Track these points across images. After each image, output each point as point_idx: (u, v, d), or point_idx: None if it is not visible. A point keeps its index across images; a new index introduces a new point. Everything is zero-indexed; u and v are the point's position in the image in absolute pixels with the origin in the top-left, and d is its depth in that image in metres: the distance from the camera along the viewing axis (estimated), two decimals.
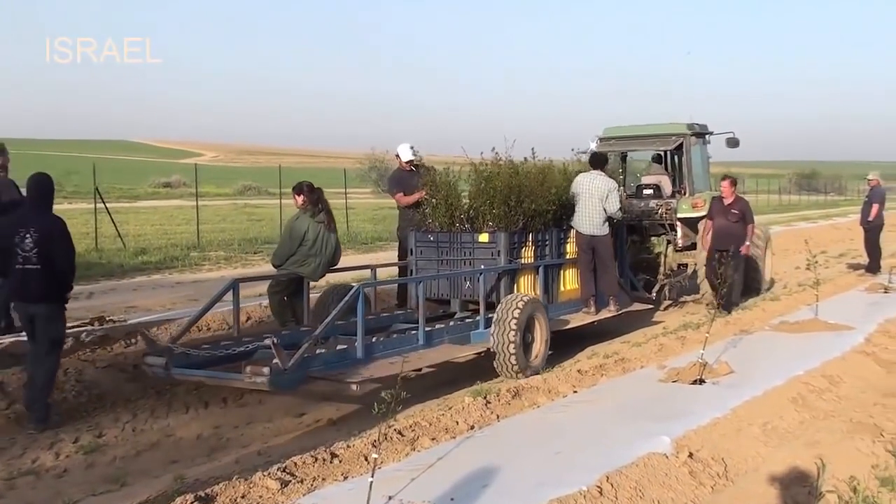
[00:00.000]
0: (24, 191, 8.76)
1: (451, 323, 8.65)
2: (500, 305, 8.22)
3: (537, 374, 7.99)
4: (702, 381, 6.92)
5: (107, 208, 20.96)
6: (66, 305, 7.08)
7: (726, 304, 10.67)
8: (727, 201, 11.32)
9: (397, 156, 10.61)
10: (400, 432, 5.69)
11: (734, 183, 11.49)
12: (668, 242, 12.54)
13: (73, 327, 8.61)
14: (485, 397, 6.62)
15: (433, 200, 9.40)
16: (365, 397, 7.54)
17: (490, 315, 8.34)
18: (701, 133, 12.90)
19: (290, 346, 6.88)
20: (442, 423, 5.98)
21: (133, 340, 9.09)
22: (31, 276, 6.63)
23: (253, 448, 6.42)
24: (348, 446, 5.40)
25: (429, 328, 8.14)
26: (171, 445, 6.57)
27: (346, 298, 7.27)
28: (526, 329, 8.18)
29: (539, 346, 8.45)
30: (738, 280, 11.28)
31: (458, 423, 6.00)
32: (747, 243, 11.29)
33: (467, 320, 8.74)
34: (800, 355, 7.88)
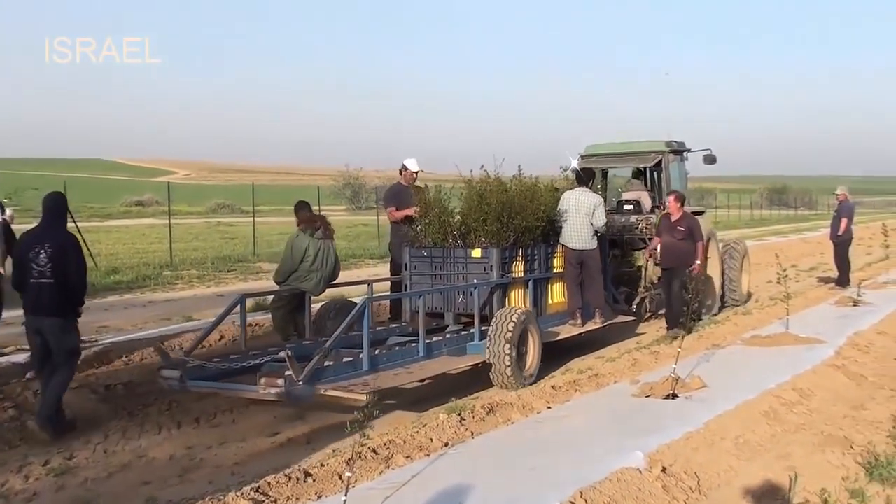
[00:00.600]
0: (8, 211, 8.84)
1: (448, 335, 8.88)
2: (494, 318, 8.48)
3: (530, 384, 8.30)
4: (675, 396, 6.96)
5: (78, 227, 20.70)
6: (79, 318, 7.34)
7: (671, 322, 10.90)
8: (673, 217, 11.15)
9: (402, 170, 10.84)
10: (374, 450, 5.67)
11: (679, 199, 11.25)
12: None
13: None
14: (459, 414, 6.62)
15: (425, 219, 9.62)
16: (340, 414, 7.53)
17: (484, 328, 8.62)
18: (679, 150, 13.24)
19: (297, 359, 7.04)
20: (416, 440, 5.97)
21: (104, 361, 9.02)
22: (46, 290, 6.89)
23: (226, 468, 6.36)
24: (322, 465, 5.37)
25: (428, 340, 8.38)
26: (143, 467, 6.49)
27: (354, 312, 7.57)
28: (520, 341, 8.44)
29: (532, 358, 8.73)
30: (680, 298, 10.66)
31: (432, 440, 5.99)
32: (697, 262, 10.94)
33: (462, 333, 8.97)
34: (771, 369, 7.94)
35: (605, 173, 13.86)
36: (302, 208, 9.76)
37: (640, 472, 5.05)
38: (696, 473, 5.22)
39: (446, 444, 5.91)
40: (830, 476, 5.24)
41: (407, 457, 5.57)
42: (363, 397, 6.59)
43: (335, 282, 9.67)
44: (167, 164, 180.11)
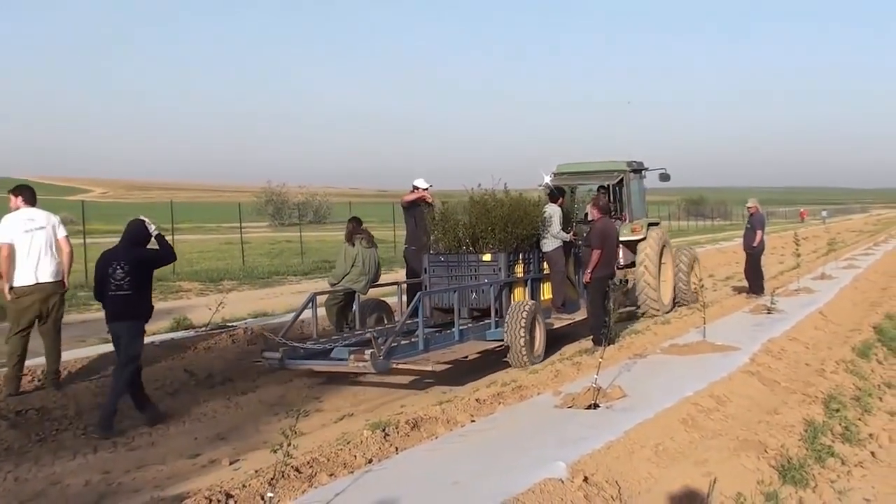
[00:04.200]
0: None
1: (470, 325, 10.48)
2: (510, 310, 10.16)
3: (539, 363, 10.05)
4: (596, 406, 7.05)
5: None
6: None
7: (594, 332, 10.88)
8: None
9: (413, 189, 12.14)
10: (297, 469, 5.60)
11: (597, 205, 11.42)
12: None
13: None
14: (383, 430, 6.59)
15: (436, 231, 11.21)
16: (263, 434, 7.43)
17: (497, 318, 10.39)
18: (638, 169, 14.98)
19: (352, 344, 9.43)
20: (340, 457, 5.93)
21: (13, 386, 8.72)
22: (122, 300, 7.87)
23: (145, 493, 6.19)
24: (244, 486, 5.28)
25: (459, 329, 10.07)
26: (57, 494, 6.27)
27: (413, 304, 9.50)
28: (530, 328, 10.09)
29: (539, 343, 10.40)
30: (597, 309, 10.65)
31: (356, 456, 5.97)
32: (588, 271, 10.97)
33: (479, 323, 10.55)
34: (689, 377, 8.11)
35: (572, 189, 14.79)
36: (351, 221, 11.63)
37: (563, 482, 5.09)
38: (616, 482, 5.30)
39: (370, 461, 5.89)
40: (746, 480, 5.37)
41: (331, 475, 5.53)
42: (429, 367, 8.71)
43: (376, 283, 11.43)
44: (83, 183, 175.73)
